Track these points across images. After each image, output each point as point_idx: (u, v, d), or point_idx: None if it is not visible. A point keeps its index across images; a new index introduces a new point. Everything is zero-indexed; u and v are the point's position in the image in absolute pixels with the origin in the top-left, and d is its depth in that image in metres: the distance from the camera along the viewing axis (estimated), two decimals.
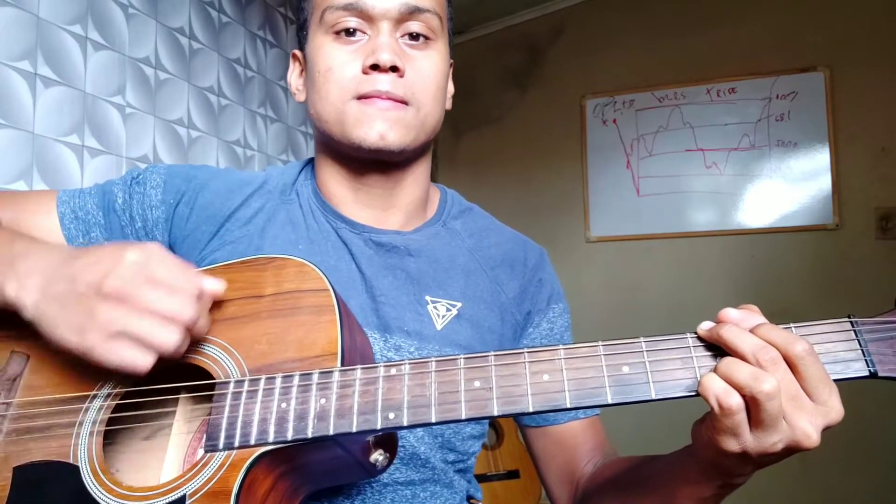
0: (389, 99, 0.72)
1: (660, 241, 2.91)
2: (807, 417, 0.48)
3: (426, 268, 0.78)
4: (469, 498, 0.82)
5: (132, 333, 0.52)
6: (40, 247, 0.61)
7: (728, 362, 0.49)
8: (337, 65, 0.73)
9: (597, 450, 0.80)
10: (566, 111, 3.10)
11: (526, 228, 0.91)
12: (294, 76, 0.83)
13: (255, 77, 2.22)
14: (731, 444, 0.49)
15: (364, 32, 0.74)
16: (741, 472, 0.53)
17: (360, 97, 0.72)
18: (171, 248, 0.79)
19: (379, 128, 0.71)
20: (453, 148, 3.36)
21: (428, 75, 0.75)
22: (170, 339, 0.52)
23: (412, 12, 0.73)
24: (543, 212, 3.10)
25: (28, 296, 0.56)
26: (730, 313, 0.52)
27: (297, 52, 0.83)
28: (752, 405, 0.47)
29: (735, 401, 0.47)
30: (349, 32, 0.73)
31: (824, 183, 2.64)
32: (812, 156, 2.67)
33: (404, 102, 0.73)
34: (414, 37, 0.75)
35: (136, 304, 0.52)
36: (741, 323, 0.51)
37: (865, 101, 2.59)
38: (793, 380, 0.48)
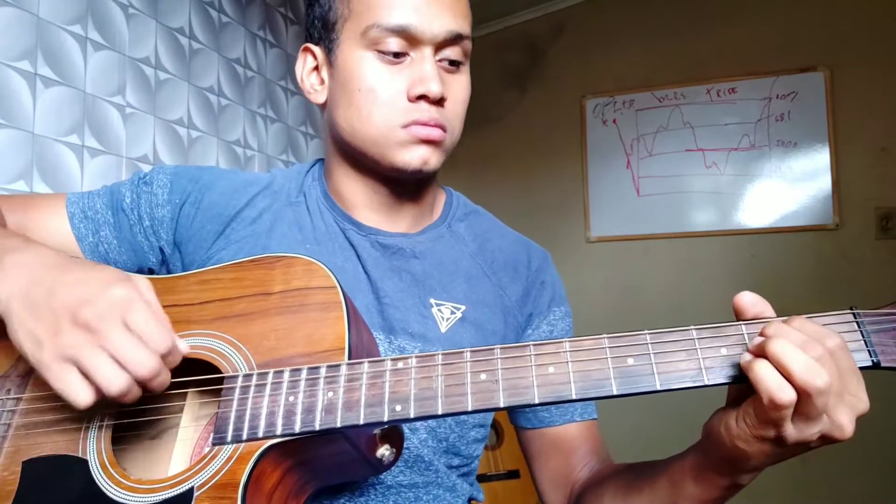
0: (436, 126, 0.73)
1: (660, 241, 2.91)
2: (845, 410, 0.48)
3: (431, 270, 0.78)
4: (470, 499, 0.82)
5: (83, 364, 0.50)
6: (37, 247, 0.60)
7: (783, 350, 0.47)
8: (382, 86, 0.72)
9: (593, 454, 0.80)
10: (566, 111, 3.10)
11: (526, 229, 0.91)
12: (306, 71, 0.80)
13: (255, 77, 2.22)
14: (769, 432, 0.49)
15: (406, 54, 0.73)
16: (757, 466, 0.53)
17: (406, 125, 0.72)
18: (177, 247, 0.79)
19: (422, 155, 0.73)
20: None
21: (460, 101, 0.77)
22: (116, 383, 0.50)
23: (455, 38, 0.74)
24: (543, 212, 3.10)
25: (5, 289, 0.54)
26: (745, 297, 0.53)
27: (312, 47, 0.79)
28: (803, 398, 0.46)
29: (789, 396, 0.46)
30: (396, 54, 0.72)
31: (824, 183, 2.65)
32: (812, 156, 2.67)
33: (443, 129, 0.74)
34: (451, 62, 0.75)
35: (100, 340, 0.50)
36: (755, 305, 0.52)
37: (865, 101, 2.60)
38: (837, 373, 0.48)
